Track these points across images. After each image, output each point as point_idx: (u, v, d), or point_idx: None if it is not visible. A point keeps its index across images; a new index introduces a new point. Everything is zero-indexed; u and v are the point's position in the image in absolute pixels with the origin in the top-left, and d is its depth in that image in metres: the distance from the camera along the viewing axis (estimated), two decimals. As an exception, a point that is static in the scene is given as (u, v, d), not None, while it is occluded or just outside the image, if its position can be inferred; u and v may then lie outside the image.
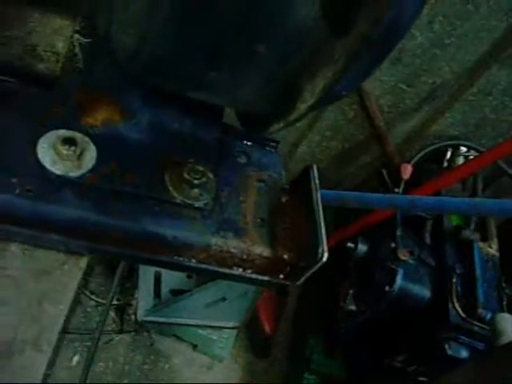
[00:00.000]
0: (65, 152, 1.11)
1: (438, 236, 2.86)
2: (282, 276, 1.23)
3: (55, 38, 1.40)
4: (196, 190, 1.23)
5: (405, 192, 2.89)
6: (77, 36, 1.28)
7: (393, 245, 2.71)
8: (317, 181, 1.29)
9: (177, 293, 2.99)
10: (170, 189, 1.21)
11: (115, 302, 3.15)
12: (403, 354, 2.81)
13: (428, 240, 2.87)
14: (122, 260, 2.37)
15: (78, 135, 1.16)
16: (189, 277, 3.05)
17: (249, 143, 1.47)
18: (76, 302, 2.89)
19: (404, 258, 2.63)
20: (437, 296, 2.66)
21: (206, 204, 1.23)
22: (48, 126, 1.15)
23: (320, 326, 3.38)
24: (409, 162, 3.06)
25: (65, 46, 1.36)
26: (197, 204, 1.22)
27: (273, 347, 3.50)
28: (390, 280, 2.62)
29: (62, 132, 1.15)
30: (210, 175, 1.27)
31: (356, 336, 3.02)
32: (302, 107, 1.06)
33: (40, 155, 1.10)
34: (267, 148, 1.50)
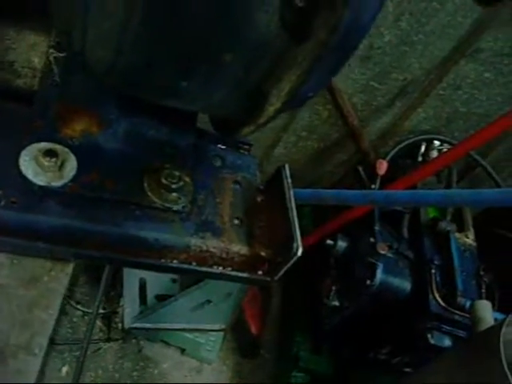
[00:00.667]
0: (46, 163, 1.15)
1: (416, 229, 2.93)
2: (260, 272, 1.28)
3: (31, 53, 1.43)
4: (174, 194, 1.28)
5: (381, 188, 2.94)
6: (52, 51, 1.31)
7: (372, 240, 2.76)
8: (289, 180, 1.34)
9: (162, 298, 2.99)
10: (149, 194, 1.26)
11: (101, 311, 3.16)
12: (388, 346, 2.85)
13: (406, 234, 2.93)
14: (105, 264, 2.39)
15: (58, 147, 1.20)
16: (173, 281, 3.07)
17: (223, 147, 1.52)
18: (62, 312, 2.90)
19: (383, 252, 2.68)
20: (417, 287, 2.72)
21: (183, 207, 1.28)
22: (29, 140, 1.19)
23: (306, 324, 3.41)
24: (384, 158, 3.11)
25: (41, 62, 1.39)
26: (175, 207, 1.27)
27: (260, 347, 3.53)
28: (371, 274, 2.67)
29: (43, 144, 1.19)
30: (187, 179, 1.32)
31: (341, 331, 3.06)
32: (270, 110, 1.11)
33: (22, 167, 1.14)
34: (241, 150, 1.55)
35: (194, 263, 1.23)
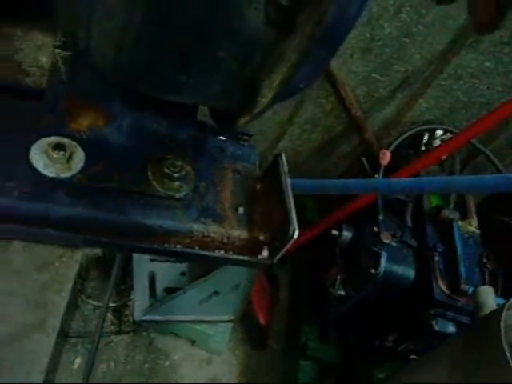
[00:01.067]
0: (55, 156, 1.22)
1: (419, 218, 2.95)
2: (260, 255, 1.35)
3: (39, 53, 1.50)
4: (176, 183, 1.35)
5: (384, 178, 2.97)
6: (58, 50, 1.37)
7: (376, 229, 2.79)
8: (285, 168, 1.40)
9: (171, 291, 3.04)
10: (153, 183, 1.33)
11: (112, 304, 3.20)
12: (393, 333, 2.89)
13: (409, 222, 2.95)
14: (112, 250, 2.45)
15: (66, 141, 1.27)
16: (182, 274, 3.11)
17: (223, 138, 1.60)
18: (74, 306, 2.96)
19: (387, 241, 2.71)
20: (421, 275, 2.74)
21: (186, 195, 1.35)
22: (39, 134, 1.26)
23: (313, 314, 3.45)
24: (387, 149, 3.13)
25: (48, 61, 1.45)
26: (178, 195, 1.34)
27: (269, 338, 3.58)
28: (375, 263, 2.71)
29: (52, 139, 1.26)
30: (189, 168, 1.39)
31: (347, 320, 3.10)
32: (263, 101, 1.17)
33: (33, 160, 1.21)
34: (241, 141, 1.62)
35: (197, 247, 1.30)
